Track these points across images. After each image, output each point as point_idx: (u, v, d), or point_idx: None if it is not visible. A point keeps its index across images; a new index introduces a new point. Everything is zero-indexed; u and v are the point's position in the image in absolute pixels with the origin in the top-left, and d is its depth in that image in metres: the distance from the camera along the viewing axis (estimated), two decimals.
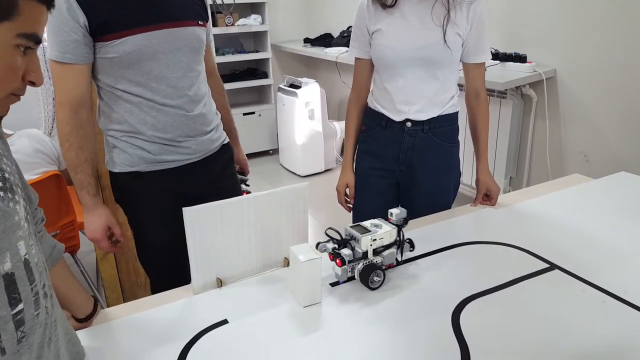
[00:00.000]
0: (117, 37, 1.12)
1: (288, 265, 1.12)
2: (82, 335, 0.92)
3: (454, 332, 0.91)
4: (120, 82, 1.18)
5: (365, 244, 1.04)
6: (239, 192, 1.47)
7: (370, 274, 1.03)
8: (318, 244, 1.06)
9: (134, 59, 1.14)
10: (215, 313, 0.99)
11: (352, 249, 1.05)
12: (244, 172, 1.62)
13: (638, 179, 1.56)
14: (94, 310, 0.96)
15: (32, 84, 0.61)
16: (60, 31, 1.09)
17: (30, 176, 1.74)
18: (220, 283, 1.08)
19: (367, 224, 1.09)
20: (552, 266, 1.11)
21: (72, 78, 1.14)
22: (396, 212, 1.11)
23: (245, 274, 1.12)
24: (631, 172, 1.61)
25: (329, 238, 1.08)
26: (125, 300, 1.05)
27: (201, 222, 1.02)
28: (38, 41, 0.59)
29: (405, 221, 1.12)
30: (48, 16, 0.60)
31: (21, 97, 0.62)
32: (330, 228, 1.11)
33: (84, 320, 0.95)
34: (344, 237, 1.08)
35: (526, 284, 1.05)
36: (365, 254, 1.05)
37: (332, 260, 1.05)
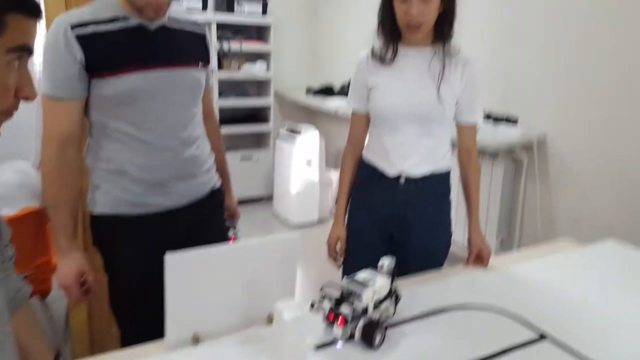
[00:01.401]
0: (115, 75, 1.12)
1: (272, 322, 1.07)
2: None
3: None
4: (113, 120, 1.17)
5: (367, 298, 0.99)
6: (226, 241, 1.43)
7: (374, 333, 0.98)
8: (312, 304, 1.01)
9: (129, 97, 1.14)
10: None
11: (352, 305, 0.99)
12: (233, 218, 1.59)
13: (628, 248, 1.55)
14: None
15: (26, 98, 0.60)
16: (56, 66, 1.10)
17: (10, 211, 1.69)
18: (196, 340, 1.03)
19: (359, 277, 1.04)
20: (543, 336, 1.07)
21: (63, 113, 1.13)
22: (387, 262, 1.07)
23: (225, 331, 1.06)
24: (620, 238, 1.61)
25: (322, 297, 1.02)
26: (92, 353, 0.98)
27: (183, 270, 0.98)
28: (30, 52, 0.59)
29: (395, 271, 1.08)
30: (37, 27, 0.60)
31: (16, 125, 0.60)
32: (327, 283, 1.07)
33: None
34: (342, 293, 1.01)
35: (515, 355, 1.00)
36: (365, 310, 1.00)
37: (332, 321, 0.97)
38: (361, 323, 0.99)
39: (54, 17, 1.15)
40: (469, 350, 1.01)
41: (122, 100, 1.15)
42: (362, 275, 1.05)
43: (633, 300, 1.23)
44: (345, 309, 0.99)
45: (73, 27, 1.10)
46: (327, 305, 1.00)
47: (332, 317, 0.98)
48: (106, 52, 1.12)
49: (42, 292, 1.82)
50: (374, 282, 1.02)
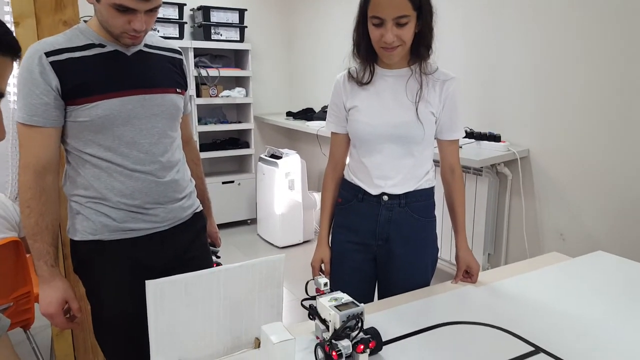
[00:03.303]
0: (90, 101, 1.11)
1: (259, 346, 1.04)
2: None
3: None
4: (90, 147, 1.15)
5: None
6: (210, 265, 1.41)
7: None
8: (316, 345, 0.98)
9: (105, 123, 1.13)
10: None
11: (348, 336, 0.96)
12: (215, 244, 1.56)
13: (615, 258, 1.56)
14: None
15: None
16: (30, 94, 1.08)
17: None
18: None
19: (337, 298, 1.02)
20: (537, 350, 1.05)
21: (39, 141, 1.11)
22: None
23: (211, 356, 1.03)
24: (606, 251, 1.61)
25: (324, 327, 0.99)
26: None
27: (165, 296, 0.95)
28: (1, 95, 0.57)
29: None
30: (14, 66, 0.58)
31: None
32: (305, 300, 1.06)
33: None
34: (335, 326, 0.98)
35: None
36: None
37: (327, 351, 0.94)
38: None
39: (25, 47, 1.13)
40: None
41: (98, 126, 1.13)
42: (337, 297, 1.03)
43: (625, 311, 1.23)
44: (344, 342, 0.95)
45: (48, 54, 1.09)
46: (326, 335, 0.98)
47: (328, 349, 0.95)
48: (82, 78, 1.11)
49: (25, 322, 1.79)
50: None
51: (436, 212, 1.49)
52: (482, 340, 1.10)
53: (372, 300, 1.50)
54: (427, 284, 1.45)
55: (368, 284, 1.51)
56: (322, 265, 1.51)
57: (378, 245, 1.44)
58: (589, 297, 1.30)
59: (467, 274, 1.43)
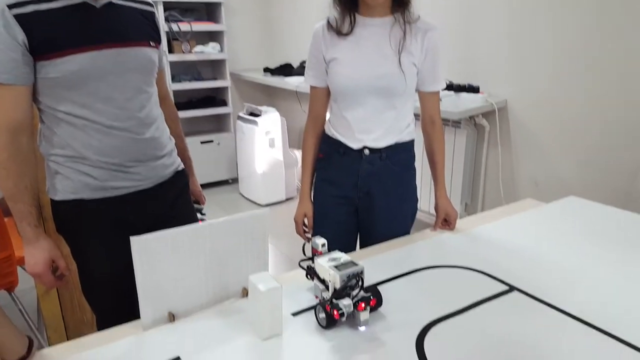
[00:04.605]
0: (60, 56, 1.06)
1: (247, 295, 1.08)
2: None
3: (419, 357, 0.88)
4: (63, 104, 1.11)
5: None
6: (195, 221, 1.41)
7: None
8: (316, 305, 0.99)
9: (78, 79, 1.09)
10: (166, 350, 0.92)
11: (348, 295, 0.97)
12: (199, 202, 1.56)
13: (586, 202, 1.63)
14: (29, 351, 0.87)
15: None
16: None
17: None
18: (172, 318, 1.02)
19: (336, 258, 1.02)
20: (511, 288, 1.12)
21: (10, 100, 1.07)
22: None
23: (200, 307, 1.06)
24: (578, 196, 1.68)
25: (323, 287, 1.00)
26: (69, 340, 0.97)
27: (150, 252, 0.96)
28: None
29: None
30: None
31: None
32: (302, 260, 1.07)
33: None
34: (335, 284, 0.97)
35: (487, 306, 1.05)
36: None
37: (328, 310, 0.95)
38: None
39: None
40: (444, 305, 1.05)
41: (70, 82, 1.09)
42: (335, 257, 1.03)
43: (593, 251, 1.29)
44: (345, 301, 0.95)
45: (11, 6, 1.03)
46: (325, 295, 0.99)
47: (328, 308, 0.95)
48: (50, 32, 1.06)
49: (9, 285, 1.79)
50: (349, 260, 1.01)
51: (415, 164, 1.51)
52: (459, 281, 1.16)
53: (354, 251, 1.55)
54: (407, 234, 1.50)
55: (350, 236, 1.55)
56: (305, 220, 1.54)
57: (359, 198, 1.46)
58: (561, 239, 1.37)
59: (446, 222, 1.48)
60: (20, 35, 1.03)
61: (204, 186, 3.21)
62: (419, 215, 1.57)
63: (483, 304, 1.05)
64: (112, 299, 1.23)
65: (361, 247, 1.53)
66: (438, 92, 1.46)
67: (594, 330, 0.95)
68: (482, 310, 1.03)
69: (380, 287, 1.12)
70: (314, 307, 1.04)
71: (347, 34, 1.35)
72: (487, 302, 1.06)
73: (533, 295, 1.08)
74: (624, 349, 0.90)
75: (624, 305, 1.04)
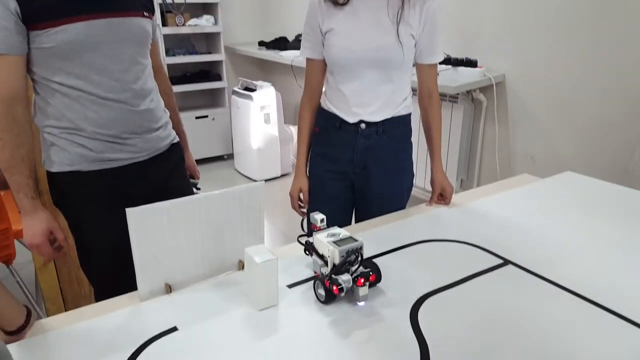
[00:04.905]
0: (54, 25, 1.04)
1: (243, 268, 1.08)
2: (15, 348, 0.84)
3: (413, 329, 0.90)
4: (58, 75, 1.10)
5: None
6: (191, 194, 1.41)
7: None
8: (315, 280, 0.99)
9: (72, 49, 1.07)
10: (163, 320, 0.93)
11: (348, 270, 0.97)
12: (193, 176, 1.56)
13: (582, 178, 1.63)
14: (27, 321, 0.88)
15: None
16: None
17: None
18: (169, 289, 1.02)
19: (335, 234, 1.01)
20: (506, 262, 1.13)
21: (3, 71, 1.06)
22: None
23: (196, 279, 1.07)
24: (575, 172, 1.68)
25: (322, 262, 1.00)
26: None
27: (147, 224, 0.96)
28: None
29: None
30: None
31: None
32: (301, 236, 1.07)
33: (16, 333, 0.86)
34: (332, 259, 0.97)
35: (481, 279, 1.06)
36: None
37: (327, 286, 0.95)
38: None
39: None
40: (438, 278, 1.06)
41: (65, 52, 1.07)
42: (333, 232, 1.02)
43: (588, 226, 1.30)
44: (344, 277, 0.95)
45: None
46: (324, 270, 0.99)
47: (328, 284, 0.95)
48: (43, 1, 1.04)
49: (6, 258, 1.81)
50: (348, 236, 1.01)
51: (412, 140, 1.50)
52: (454, 255, 1.17)
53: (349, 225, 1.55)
54: (402, 209, 1.50)
55: (346, 211, 1.55)
56: (301, 194, 1.54)
57: (355, 173, 1.46)
58: (556, 214, 1.38)
59: (441, 197, 1.48)
60: (13, 4, 1.02)
61: (199, 162, 3.19)
62: (414, 191, 1.58)
63: (477, 277, 1.06)
64: (110, 271, 1.24)
65: (357, 222, 1.54)
66: (436, 65, 1.44)
67: (587, 303, 0.97)
68: (476, 283, 1.05)
69: (375, 260, 1.13)
70: (309, 280, 1.05)
71: (343, 4, 1.32)
72: (481, 275, 1.07)
73: (527, 268, 1.10)
74: (616, 320, 0.91)
75: (617, 279, 1.05)
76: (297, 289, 1.04)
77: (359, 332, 0.90)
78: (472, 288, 1.03)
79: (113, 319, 0.94)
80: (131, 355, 0.84)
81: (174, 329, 0.91)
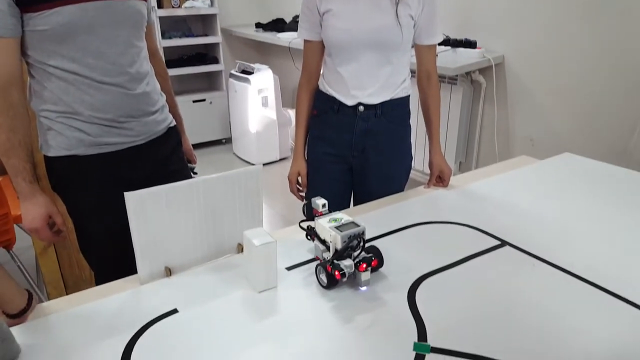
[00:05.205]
0: (48, 8, 1.03)
1: (242, 251, 1.09)
2: (18, 331, 0.85)
3: (410, 309, 0.91)
4: (53, 58, 1.09)
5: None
6: (189, 178, 1.41)
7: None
8: (317, 265, 0.99)
9: (67, 32, 1.06)
10: (164, 303, 0.94)
11: (350, 255, 0.96)
12: (190, 161, 1.55)
13: (581, 159, 1.63)
14: (28, 304, 0.89)
15: None
16: None
17: None
18: (169, 272, 1.03)
19: (337, 219, 1.01)
20: (503, 243, 1.13)
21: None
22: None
23: (195, 262, 1.07)
24: (573, 153, 1.68)
25: (324, 248, 1.00)
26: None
27: (145, 207, 0.96)
28: None
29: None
30: None
31: None
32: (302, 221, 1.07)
33: (18, 316, 0.87)
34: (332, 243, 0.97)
35: (479, 260, 1.07)
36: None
37: (329, 271, 0.94)
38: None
39: None
40: (436, 259, 1.07)
41: (59, 35, 1.06)
42: (335, 217, 1.02)
43: (586, 207, 1.30)
44: (346, 262, 0.95)
45: None
46: (326, 255, 0.99)
47: (330, 269, 0.94)
48: None
49: (6, 243, 1.81)
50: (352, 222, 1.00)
51: (410, 122, 1.50)
52: (452, 236, 1.18)
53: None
54: (401, 191, 1.50)
55: (344, 194, 1.55)
56: (299, 178, 1.53)
57: (354, 156, 1.46)
58: (554, 195, 1.38)
59: (440, 179, 1.48)
60: None
61: (197, 146, 3.19)
62: (412, 174, 1.57)
63: (474, 258, 1.07)
64: (109, 255, 1.25)
65: (355, 204, 1.54)
66: (435, 46, 1.43)
67: (584, 283, 0.98)
68: (473, 263, 1.05)
69: (374, 242, 1.14)
70: (307, 262, 1.06)
71: None
72: (479, 256, 1.08)
73: (524, 249, 1.10)
74: (613, 301, 0.92)
75: (615, 260, 1.06)
76: (296, 271, 1.04)
77: (357, 312, 0.90)
78: (470, 269, 1.04)
79: (114, 302, 0.95)
80: (132, 337, 0.85)
81: (174, 311, 0.92)
